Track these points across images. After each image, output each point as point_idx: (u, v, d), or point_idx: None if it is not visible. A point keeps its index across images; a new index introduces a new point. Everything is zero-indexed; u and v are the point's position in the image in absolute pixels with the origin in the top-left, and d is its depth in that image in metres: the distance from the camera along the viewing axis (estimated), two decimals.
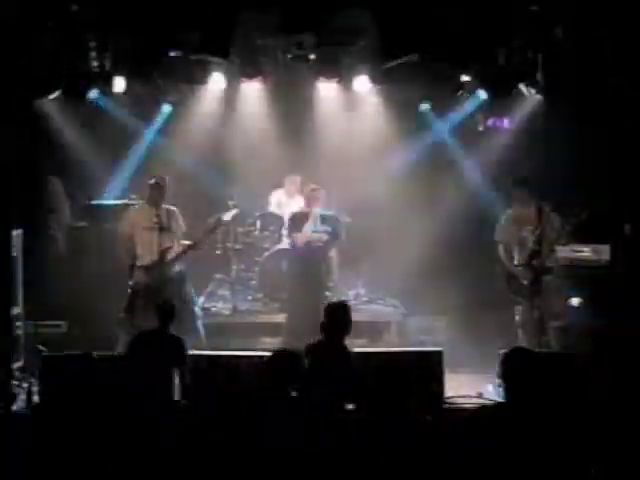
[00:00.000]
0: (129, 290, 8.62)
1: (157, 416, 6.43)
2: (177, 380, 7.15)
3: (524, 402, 4.89)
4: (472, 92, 10.22)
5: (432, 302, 10.05)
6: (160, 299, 8.39)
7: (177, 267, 8.77)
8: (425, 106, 10.81)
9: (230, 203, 9.82)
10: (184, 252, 8.73)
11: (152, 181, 8.80)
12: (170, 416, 6.67)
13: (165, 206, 8.80)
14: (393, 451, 4.92)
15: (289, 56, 9.28)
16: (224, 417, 5.61)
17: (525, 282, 8.74)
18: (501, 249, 8.93)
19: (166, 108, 10.69)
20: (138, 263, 8.69)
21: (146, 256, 8.68)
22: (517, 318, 8.79)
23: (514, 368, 5.01)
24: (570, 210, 8.65)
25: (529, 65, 8.67)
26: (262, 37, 9.12)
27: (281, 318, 9.91)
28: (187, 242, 8.83)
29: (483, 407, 5.29)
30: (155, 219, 8.61)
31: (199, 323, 8.89)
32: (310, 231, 9.28)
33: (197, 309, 9.02)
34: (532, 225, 8.76)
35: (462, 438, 4.92)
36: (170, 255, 8.66)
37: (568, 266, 9.46)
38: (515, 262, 8.83)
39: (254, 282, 10.46)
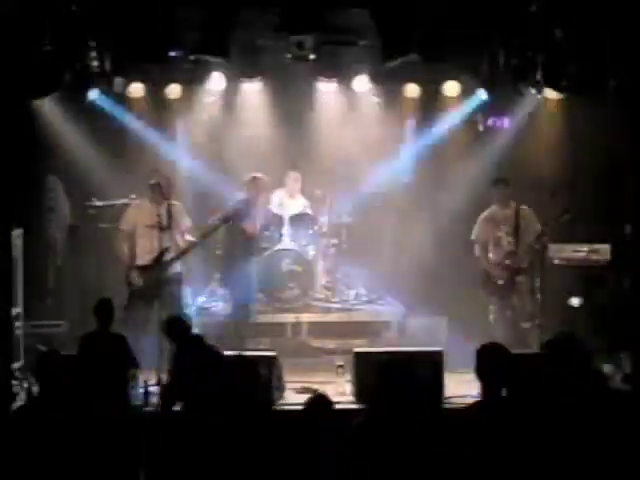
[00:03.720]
0: (128, 289, 8.63)
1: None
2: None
3: (499, 399, 4.90)
4: (472, 92, 10.23)
5: (432, 302, 10.05)
6: (158, 298, 8.40)
7: (176, 268, 8.76)
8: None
9: (230, 203, 9.85)
10: (184, 252, 8.72)
11: (152, 181, 8.80)
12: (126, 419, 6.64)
13: (169, 202, 8.77)
14: (393, 450, 4.92)
15: (289, 56, 9.27)
16: (224, 418, 5.60)
17: (500, 282, 8.79)
18: (477, 248, 8.99)
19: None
20: (137, 262, 8.69)
21: (145, 255, 8.67)
22: (491, 317, 8.84)
23: (488, 364, 5.02)
24: (555, 211, 8.66)
25: (529, 65, 8.66)
26: (262, 37, 9.11)
27: (280, 318, 9.92)
28: (191, 238, 8.81)
29: (469, 407, 5.27)
30: (156, 218, 8.60)
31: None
32: None
33: (190, 311, 8.98)
34: (508, 225, 8.82)
35: (458, 437, 4.93)
36: (169, 255, 8.65)
37: (568, 266, 9.48)
38: (490, 262, 8.88)
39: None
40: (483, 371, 5.01)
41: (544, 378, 5.09)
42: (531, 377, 5.65)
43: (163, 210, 8.68)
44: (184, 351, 7.00)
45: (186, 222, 8.87)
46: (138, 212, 8.91)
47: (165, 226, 8.63)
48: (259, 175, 9.51)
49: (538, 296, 8.62)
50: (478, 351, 5.07)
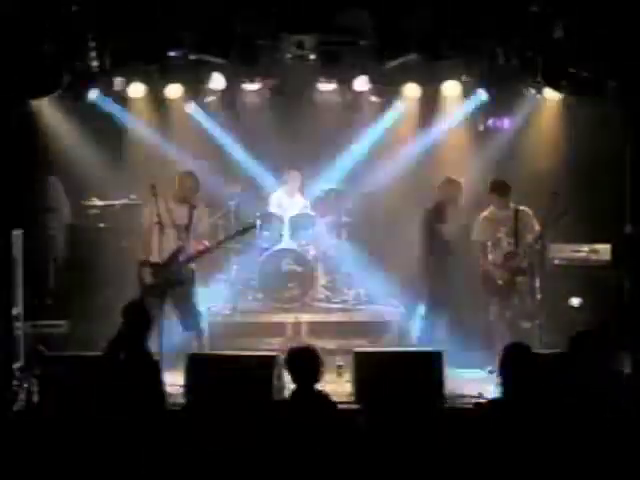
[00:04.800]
0: (140, 286, 8.55)
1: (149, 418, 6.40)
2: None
3: (520, 397, 4.92)
4: (472, 92, 10.24)
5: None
6: (169, 297, 8.38)
7: (189, 267, 8.72)
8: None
9: (231, 203, 9.87)
10: (199, 254, 8.66)
11: (177, 177, 8.77)
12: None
13: (192, 203, 8.71)
14: (393, 450, 4.92)
15: (289, 56, 9.28)
16: (224, 417, 5.61)
17: (500, 282, 8.78)
18: (477, 249, 8.98)
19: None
20: (151, 260, 8.62)
21: (161, 253, 8.60)
22: (491, 318, 8.84)
23: (511, 363, 5.05)
24: (554, 211, 8.65)
25: (529, 65, 8.66)
26: (262, 37, 9.11)
27: (280, 318, 9.92)
28: (206, 243, 8.76)
29: (478, 404, 5.31)
30: (179, 218, 8.55)
31: (204, 324, 8.87)
32: None
33: (202, 310, 8.99)
34: (508, 226, 8.82)
35: (461, 437, 4.94)
36: (183, 256, 8.59)
37: (568, 266, 9.48)
38: (490, 262, 8.88)
39: (254, 282, 10.45)
40: (507, 370, 5.04)
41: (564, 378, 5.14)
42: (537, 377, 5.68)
43: (182, 209, 8.61)
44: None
45: (205, 225, 8.83)
46: (156, 210, 8.83)
47: (182, 226, 8.57)
48: (453, 177, 9.39)
49: (538, 296, 8.62)
50: (504, 351, 5.10)
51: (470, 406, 6.91)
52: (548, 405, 4.93)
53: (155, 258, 8.59)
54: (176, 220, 8.52)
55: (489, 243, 8.93)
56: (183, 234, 8.54)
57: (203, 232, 8.78)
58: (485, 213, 9.06)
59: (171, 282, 8.46)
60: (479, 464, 4.80)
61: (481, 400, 6.49)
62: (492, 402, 5.19)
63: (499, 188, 8.95)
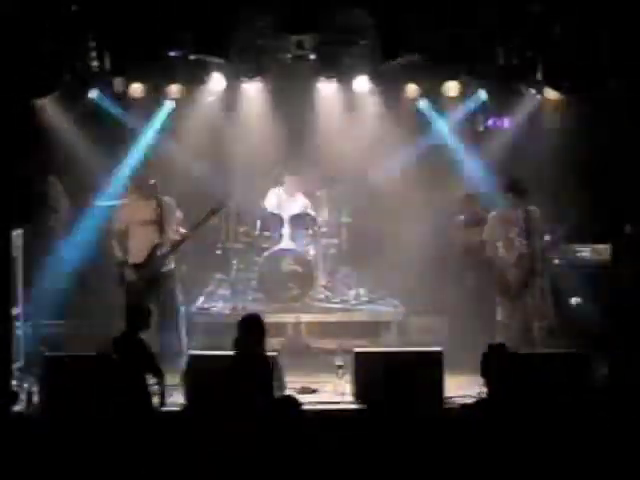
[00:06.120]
0: (124, 287, 8.56)
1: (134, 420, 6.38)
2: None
3: (503, 397, 4.94)
4: (472, 92, 10.24)
5: (432, 302, 10.05)
6: (155, 296, 8.38)
7: (170, 264, 8.71)
8: (424, 103, 10.80)
9: (231, 204, 9.85)
10: (176, 246, 8.67)
11: (139, 176, 8.80)
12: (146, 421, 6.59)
13: (158, 197, 8.73)
14: (393, 450, 4.92)
15: (289, 56, 9.28)
16: (224, 417, 5.61)
17: (513, 282, 8.76)
18: (489, 249, 8.96)
19: (166, 107, 10.66)
20: (130, 260, 8.63)
21: (139, 252, 8.61)
22: (498, 317, 8.81)
23: (492, 364, 5.06)
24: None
25: (529, 65, 8.67)
26: (262, 37, 9.12)
27: (280, 318, 9.91)
28: (182, 231, 8.76)
29: (463, 405, 5.34)
30: (147, 214, 8.58)
31: (182, 324, 8.82)
32: None
33: (182, 310, 8.93)
34: (519, 227, 8.79)
35: (451, 437, 4.96)
36: (161, 251, 8.61)
37: (568, 266, 9.48)
38: (504, 262, 8.85)
39: (254, 282, 10.45)
40: (489, 370, 5.05)
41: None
42: (535, 377, 5.70)
43: (154, 204, 8.64)
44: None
45: (177, 215, 8.85)
46: (129, 209, 8.86)
47: (157, 221, 8.60)
48: (472, 192, 9.67)
49: (543, 296, 8.62)
50: (485, 351, 5.12)
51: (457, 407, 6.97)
52: (533, 404, 4.94)
53: (134, 258, 8.60)
54: (146, 217, 8.54)
55: (499, 243, 8.88)
56: (157, 229, 8.56)
57: (178, 221, 8.79)
58: (494, 213, 9.00)
59: (155, 279, 8.48)
60: (470, 464, 4.82)
61: (466, 401, 6.49)
62: (477, 403, 5.21)
63: (517, 188, 8.88)
